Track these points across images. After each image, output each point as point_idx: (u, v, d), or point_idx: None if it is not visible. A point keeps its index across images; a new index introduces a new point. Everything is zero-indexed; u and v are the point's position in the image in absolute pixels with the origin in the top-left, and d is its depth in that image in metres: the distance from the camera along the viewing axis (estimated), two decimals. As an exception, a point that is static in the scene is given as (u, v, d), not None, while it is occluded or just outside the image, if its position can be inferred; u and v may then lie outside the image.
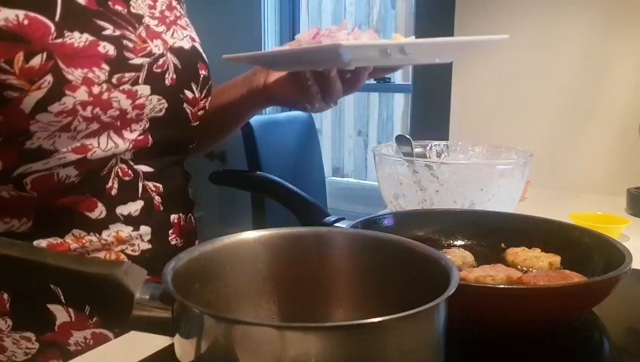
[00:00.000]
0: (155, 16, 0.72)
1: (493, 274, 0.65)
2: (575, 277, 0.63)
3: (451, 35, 1.59)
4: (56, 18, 0.60)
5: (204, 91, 0.77)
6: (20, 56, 0.57)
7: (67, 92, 0.60)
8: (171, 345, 0.44)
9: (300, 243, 0.56)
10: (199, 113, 0.77)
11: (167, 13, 0.75)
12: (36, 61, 0.58)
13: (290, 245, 0.56)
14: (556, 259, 0.71)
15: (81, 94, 0.61)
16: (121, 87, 0.64)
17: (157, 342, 0.56)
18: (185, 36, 0.76)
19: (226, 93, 0.85)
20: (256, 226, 1.82)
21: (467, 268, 0.69)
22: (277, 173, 1.60)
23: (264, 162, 1.80)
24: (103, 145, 0.65)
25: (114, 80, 0.64)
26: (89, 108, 0.62)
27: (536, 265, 0.70)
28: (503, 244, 0.77)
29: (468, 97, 1.59)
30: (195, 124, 0.78)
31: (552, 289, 0.59)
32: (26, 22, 0.58)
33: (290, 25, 2.87)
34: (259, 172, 1.77)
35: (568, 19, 1.41)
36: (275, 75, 0.80)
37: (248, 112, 0.88)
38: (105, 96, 0.63)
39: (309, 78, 0.73)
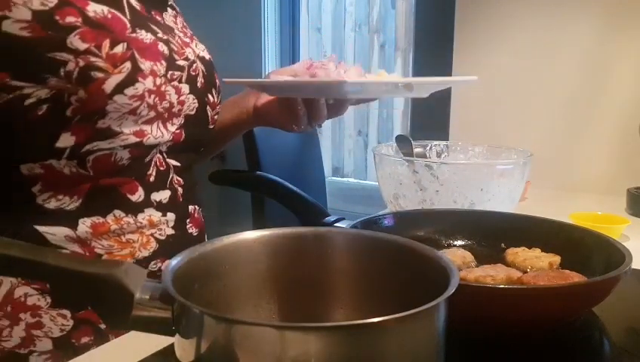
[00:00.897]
0: (180, 30, 0.82)
1: (493, 274, 0.65)
2: (575, 277, 0.63)
3: (451, 35, 1.60)
4: (128, 17, 0.70)
5: (219, 98, 0.86)
6: (106, 43, 0.66)
7: (140, 79, 0.68)
8: (171, 345, 0.44)
9: (299, 243, 0.56)
10: (215, 117, 0.85)
11: (184, 29, 0.84)
12: (119, 49, 0.67)
13: (290, 245, 0.55)
14: (556, 259, 0.71)
15: (149, 83, 0.69)
16: (172, 83, 0.74)
17: (157, 342, 0.56)
18: (204, 49, 0.85)
19: None
20: (256, 226, 1.82)
21: (467, 268, 0.69)
22: (277, 173, 1.59)
23: (264, 162, 1.80)
24: (154, 133, 0.73)
25: (168, 75, 0.73)
26: (152, 96, 0.70)
27: (536, 265, 0.70)
28: (502, 244, 0.77)
29: (468, 97, 1.59)
30: (211, 127, 0.86)
31: (552, 290, 0.59)
32: (109, 15, 0.68)
33: (290, 25, 2.87)
34: (259, 172, 1.76)
35: (569, 20, 1.41)
36: (264, 98, 0.90)
37: (236, 133, 0.98)
38: (163, 88, 0.72)
39: (299, 103, 0.83)
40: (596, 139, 1.41)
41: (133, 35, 0.69)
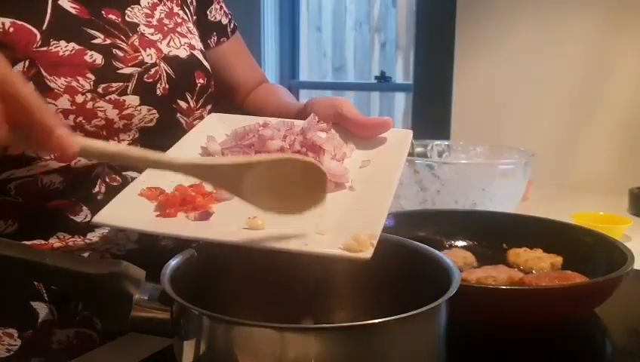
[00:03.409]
0: (151, 25, 0.72)
1: (495, 275, 0.65)
2: (577, 278, 0.63)
3: (453, 34, 1.59)
4: (44, 27, 0.61)
5: (201, 101, 0.76)
6: None
7: (49, 100, 0.60)
8: (170, 347, 0.44)
9: (300, 244, 0.55)
10: (195, 123, 0.75)
11: (165, 21, 0.74)
12: (18, 68, 0.59)
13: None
14: (558, 259, 0.71)
15: (64, 103, 0.61)
16: (107, 97, 0.64)
17: (156, 343, 0.56)
18: (182, 44, 0.75)
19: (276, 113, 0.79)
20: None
21: (468, 269, 0.69)
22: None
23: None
24: None
25: (99, 89, 0.63)
26: (71, 116, 0.62)
27: (537, 266, 0.70)
28: (504, 245, 0.77)
29: (469, 96, 1.59)
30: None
31: (553, 290, 0.59)
32: (11, 30, 0.59)
33: (290, 23, 2.87)
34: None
35: (571, 19, 1.41)
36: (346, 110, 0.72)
37: None
38: (89, 105, 0.63)
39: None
40: (598, 139, 1.41)
41: (43, 48, 0.60)
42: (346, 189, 0.59)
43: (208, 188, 0.58)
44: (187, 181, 0.58)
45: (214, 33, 0.87)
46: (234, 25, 0.90)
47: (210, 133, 0.68)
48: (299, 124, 0.68)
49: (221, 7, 0.88)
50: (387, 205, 0.54)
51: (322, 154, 0.62)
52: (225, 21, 0.88)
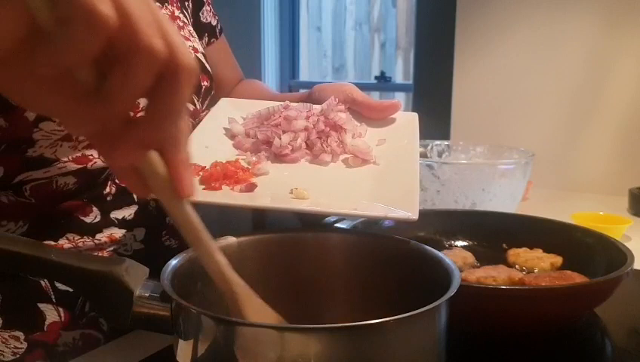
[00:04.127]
0: None
1: (495, 275, 0.65)
2: (577, 278, 0.63)
3: (452, 34, 1.59)
4: None
5: (206, 102, 0.77)
6: None
7: None
8: (171, 346, 0.44)
9: (300, 244, 0.55)
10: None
11: None
12: None
13: (291, 246, 0.55)
14: (558, 259, 0.71)
15: None
16: None
17: (157, 342, 0.56)
18: (189, 45, 0.76)
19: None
20: (257, 227, 1.82)
21: (468, 269, 0.69)
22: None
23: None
24: None
25: None
26: None
27: (537, 266, 0.70)
28: (504, 245, 0.77)
29: (469, 96, 1.59)
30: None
31: (553, 290, 0.59)
32: None
33: (289, 23, 2.87)
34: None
35: (571, 18, 1.41)
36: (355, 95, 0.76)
37: None
38: None
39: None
40: (598, 139, 1.41)
41: None
42: (371, 164, 0.64)
43: (244, 163, 0.62)
44: (223, 158, 0.62)
45: (206, 34, 0.88)
46: (221, 26, 0.92)
47: (227, 116, 0.71)
48: (316, 107, 0.72)
49: (210, 8, 0.89)
50: (416, 174, 0.60)
51: (344, 133, 0.67)
52: (214, 22, 0.90)
